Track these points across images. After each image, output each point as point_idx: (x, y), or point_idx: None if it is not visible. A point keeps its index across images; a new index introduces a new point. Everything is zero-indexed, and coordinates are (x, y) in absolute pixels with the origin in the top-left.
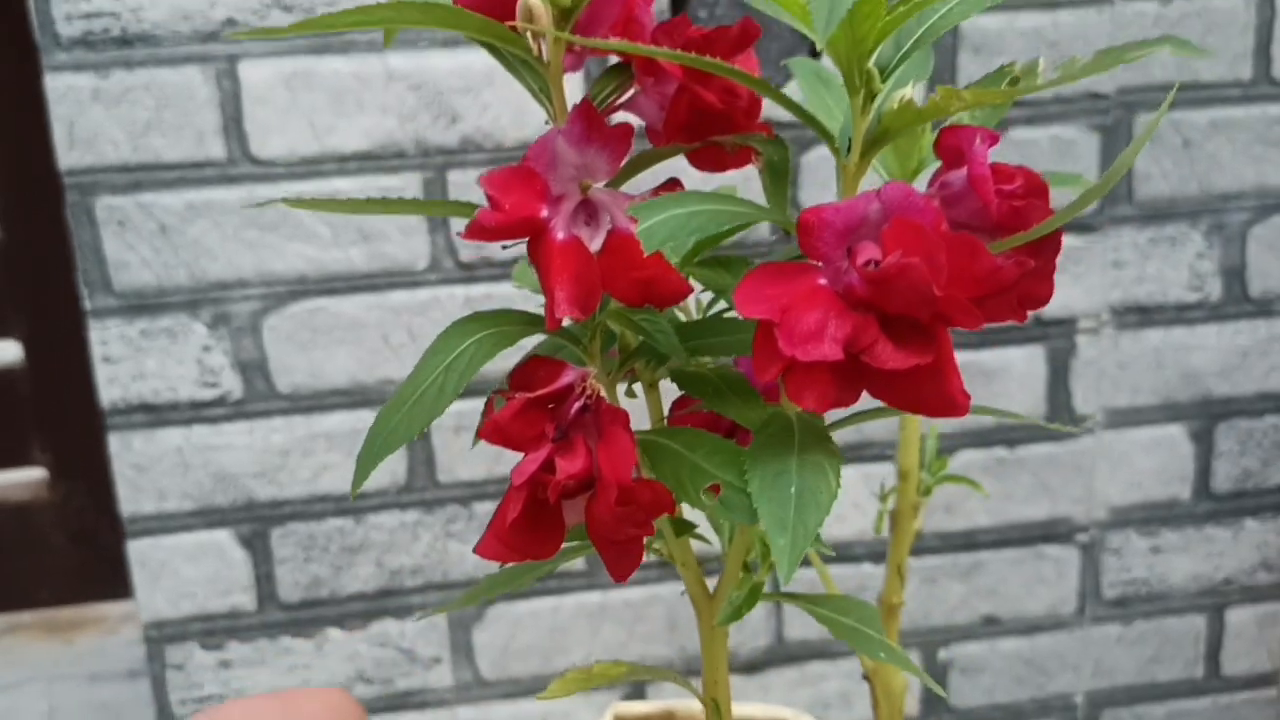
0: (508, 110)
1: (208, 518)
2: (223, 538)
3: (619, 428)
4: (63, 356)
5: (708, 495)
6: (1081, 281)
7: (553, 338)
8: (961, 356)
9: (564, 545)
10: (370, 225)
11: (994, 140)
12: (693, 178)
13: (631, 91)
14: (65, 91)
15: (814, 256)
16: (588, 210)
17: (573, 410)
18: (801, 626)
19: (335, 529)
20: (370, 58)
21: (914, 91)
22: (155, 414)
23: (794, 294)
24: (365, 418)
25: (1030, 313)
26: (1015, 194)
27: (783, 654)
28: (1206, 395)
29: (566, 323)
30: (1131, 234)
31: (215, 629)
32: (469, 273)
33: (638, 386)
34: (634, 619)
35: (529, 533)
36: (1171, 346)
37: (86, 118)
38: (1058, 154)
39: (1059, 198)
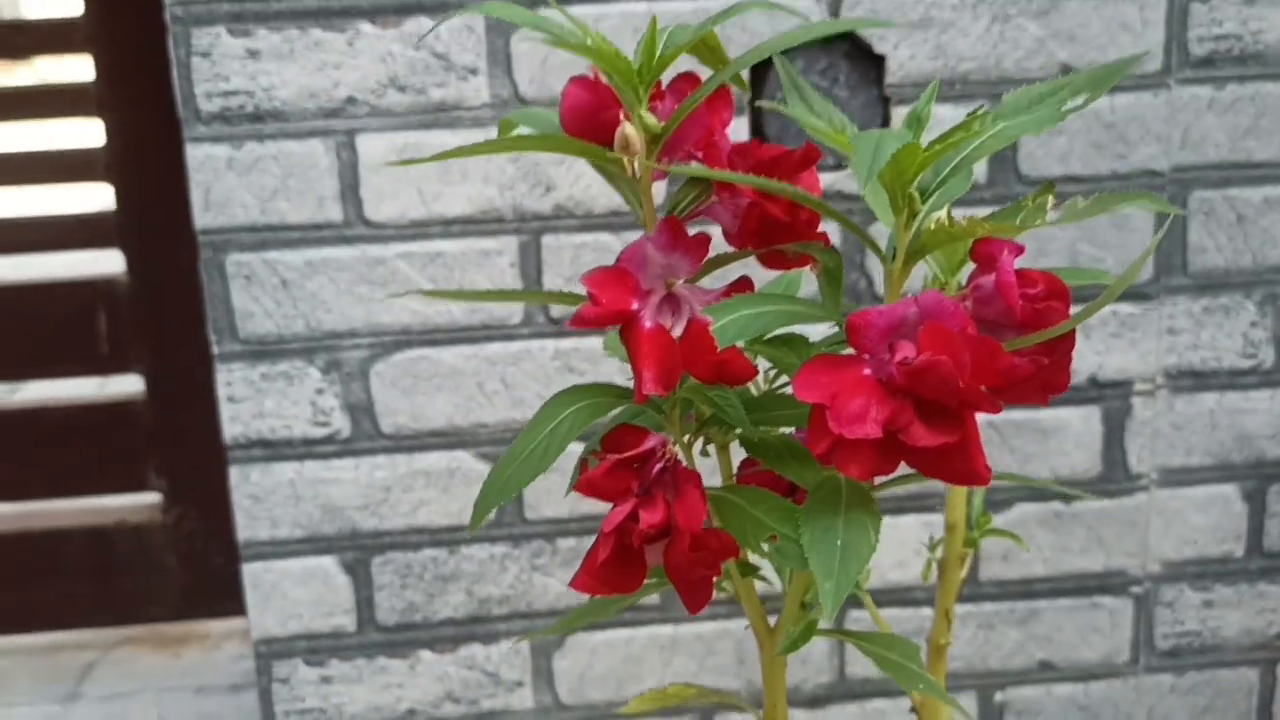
0: (598, 181)
1: (315, 545)
2: (328, 564)
3: (692, 486)
4: (180, 391)
5: (768, 544)
6: (1137, 346)
7: (639, 407)
8: (1020, 416)
9: (645, 583)
10: (469, 282)
11: (1019, 251)
12: (761, 274)
13: (710, 201)
14: (204, 160)
15: (860, 351)
16: (671, 303)
17: (654, 470)
18: (864, 665)
19: (430, 559)
20: (474, 132)
21: (947, 212)
22: (272, 449)
23: (843, 382)
24: (460, 458)
25: (1085, 376)
26: (1038, 297)
27: (844, 690)
28: (1260, 457)
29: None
30: (1186, 303)
31: (319, 647)
32: (558, 327)
33: (711, 448)
34: (704, 652)
35: (616, 571)
36: (1225, 410)
37: (221, 183)
38: (1115, 228)
39: (1087, 289)
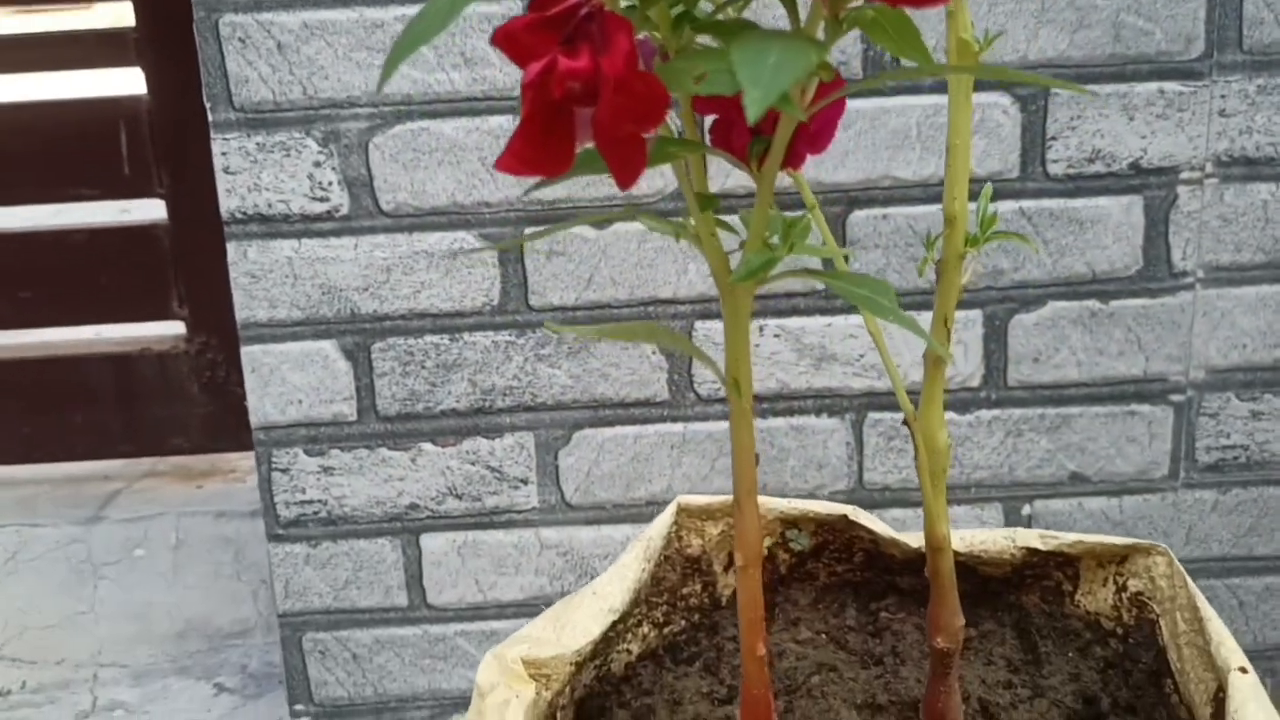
0: None
1: (315, 328)
2: (328, 348)
3: (621, 34)
4: (203, 217)
5: (696, 80)
6: (1185, 129)
7: None
8: (1052, 204)
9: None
10: (473, 49)
11: None
12: None
13: None
14: None
15: None
16: None
17: (579, 19)
18: (882, 472)
19: (432, 345)
20: None
21: None
22: (269, 225)
23: None
24: (463, 238)
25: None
26: None
27: (862, 498)
28: None
29: None
30: (1240, 81)
31: (319, 436)
32: None
33: None
34: (716, 452)
35: (541, 144)
36: None
37: None
38: None
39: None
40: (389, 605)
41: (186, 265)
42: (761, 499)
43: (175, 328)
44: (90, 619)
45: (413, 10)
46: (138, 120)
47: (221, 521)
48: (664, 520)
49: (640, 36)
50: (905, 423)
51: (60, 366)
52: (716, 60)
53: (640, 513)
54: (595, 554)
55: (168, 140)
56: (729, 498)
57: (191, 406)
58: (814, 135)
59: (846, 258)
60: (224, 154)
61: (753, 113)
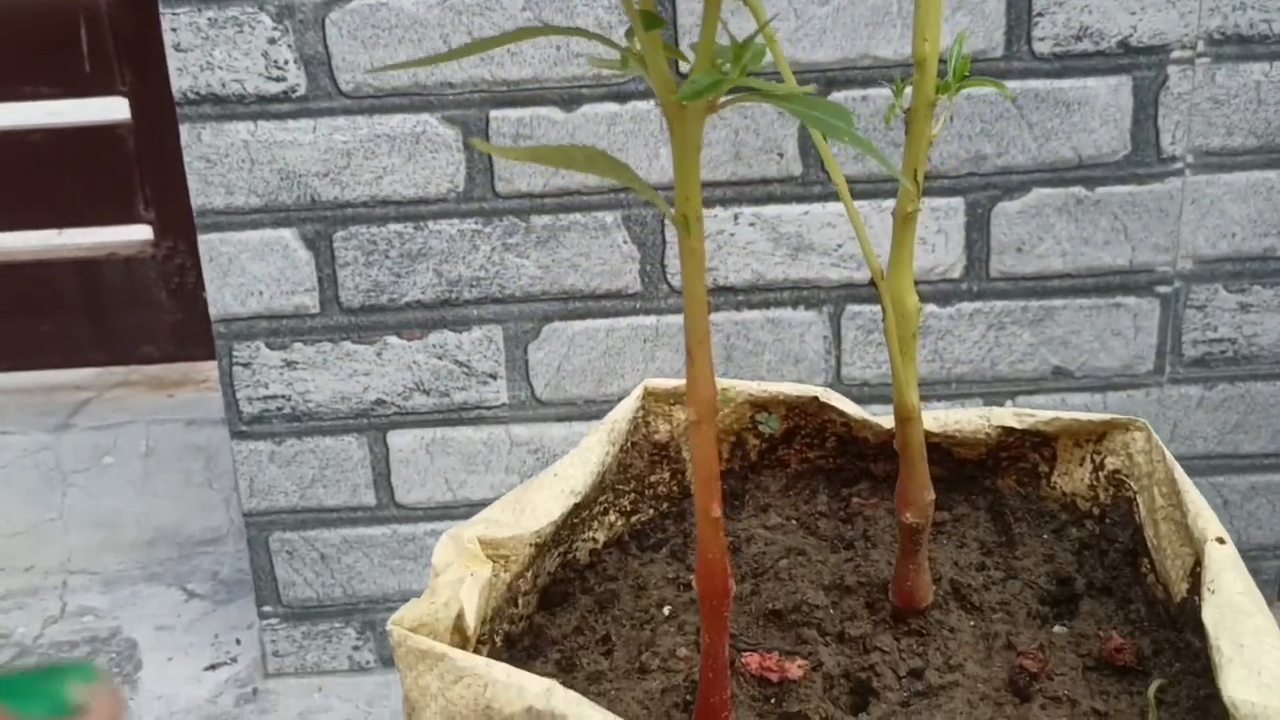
0: None
1: (274, 215)
2: (288, 236)
3: None
4: (167, 115)
5: None
6: (1176, 5)
7: None
8: (1038, 85)
9: None
10: None
11: None
12: None
13: None
14: None
15: None
16: None
17: None
18: (861, 368)
19: (395, 234)
20: None
21: None
22: (223, 106)
23: None
24: (426, 121)
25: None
26: None
27: (841, 393)
28: None
29: None
30: None
31: (281, 329)
32: None
33: None
34: None
35: None
36: (1274, 82)
37: None
38: None
39: None
40: (356, 504)
41: (152, 166)
42: (730, 382)
43: (142, 231)
44: (59, 526)
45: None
46: (97, 14)
47: (192, 429)
48: (630, 404)
49: None
50: (872, 283)
51: (23, 272)
52: None
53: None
54: (568, 451)
55: (129, 35)
56: None
57: (160, 313)
58: None
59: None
60: (174, 29)
61: None
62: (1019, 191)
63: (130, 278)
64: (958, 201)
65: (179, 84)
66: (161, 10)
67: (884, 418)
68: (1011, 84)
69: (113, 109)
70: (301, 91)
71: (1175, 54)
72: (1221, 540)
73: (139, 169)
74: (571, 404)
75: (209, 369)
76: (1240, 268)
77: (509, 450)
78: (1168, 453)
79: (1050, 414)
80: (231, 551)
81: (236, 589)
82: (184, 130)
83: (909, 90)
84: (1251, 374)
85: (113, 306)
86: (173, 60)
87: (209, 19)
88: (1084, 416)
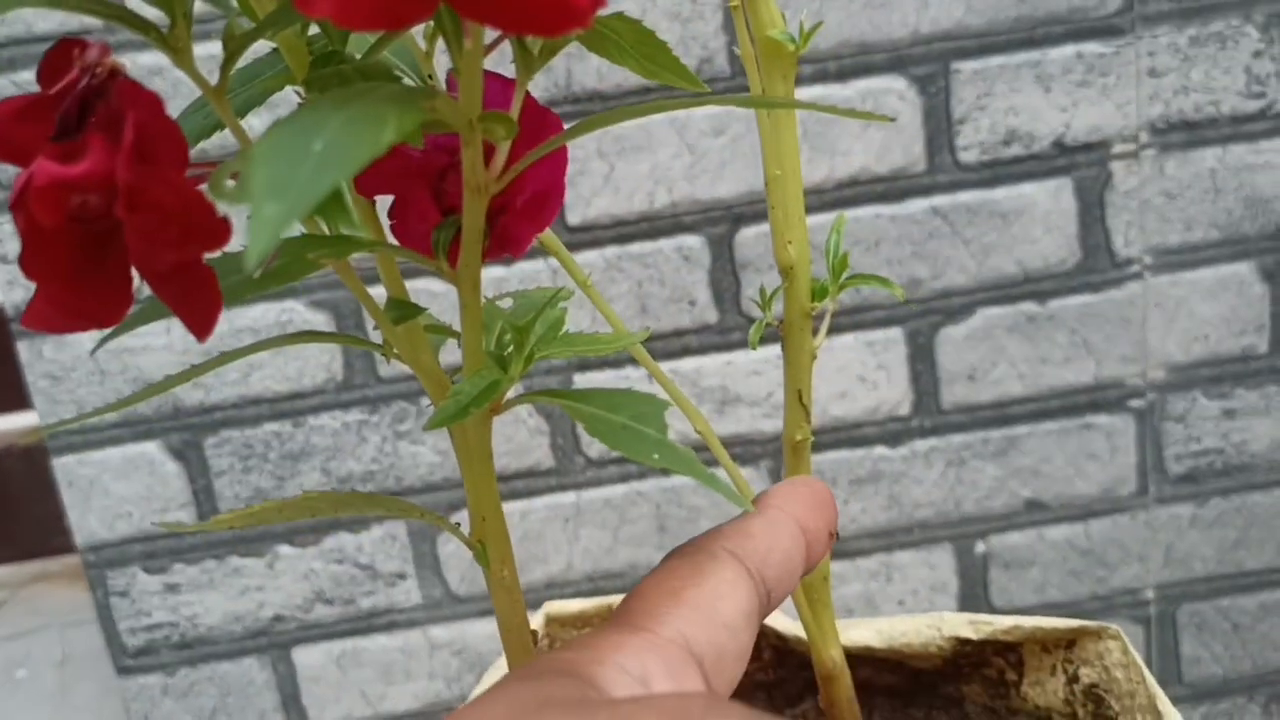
0: None
1: (134, 429)
2: (152, 450)
3: (134, 110)
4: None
5: (232, 179)
6: (1110, 96)
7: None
8: (968, 197)
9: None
10: None
11: None
12: None
13: None
14: None
15: None
16: None
17: (78, 94)
18: None
19: (273, 434)
20: None
21: None
22: None
23: None
24: (291, 308)
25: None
26: None
27: None
28: (1279, 223)
29: None
30: (1169, 34)
31: (157, 550)
32: None
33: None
34: (617, 520)
35: (74, 283)
36: (1229, 167)
37: None
38: None
39: None
40: None
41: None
42: None
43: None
44: None
45: None
46: None
47: None
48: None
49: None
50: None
51: None
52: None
53: (540, 597)
54: (493, 648)
55: None
56: (603, 600)
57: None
58: (530, 207)
59: (733, 318)
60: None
61: (255, 249)
62: (962, 315)
63: (32, 469)
64: (896, 332)
65: (9, 296)
66: None
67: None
68: (939, 199)
69: None
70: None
71: (1116, 148)
72: None
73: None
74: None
75: None
76: (1219, 371)
77: (429, 654)
78: (1147, 672)
79: (1009, 621)
80: None
81: None
82: (21, 347)
83: (775, 301)
84: (1246, 485)
85: (18, 500)
86: (2, 271)
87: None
88: (1047, 623)
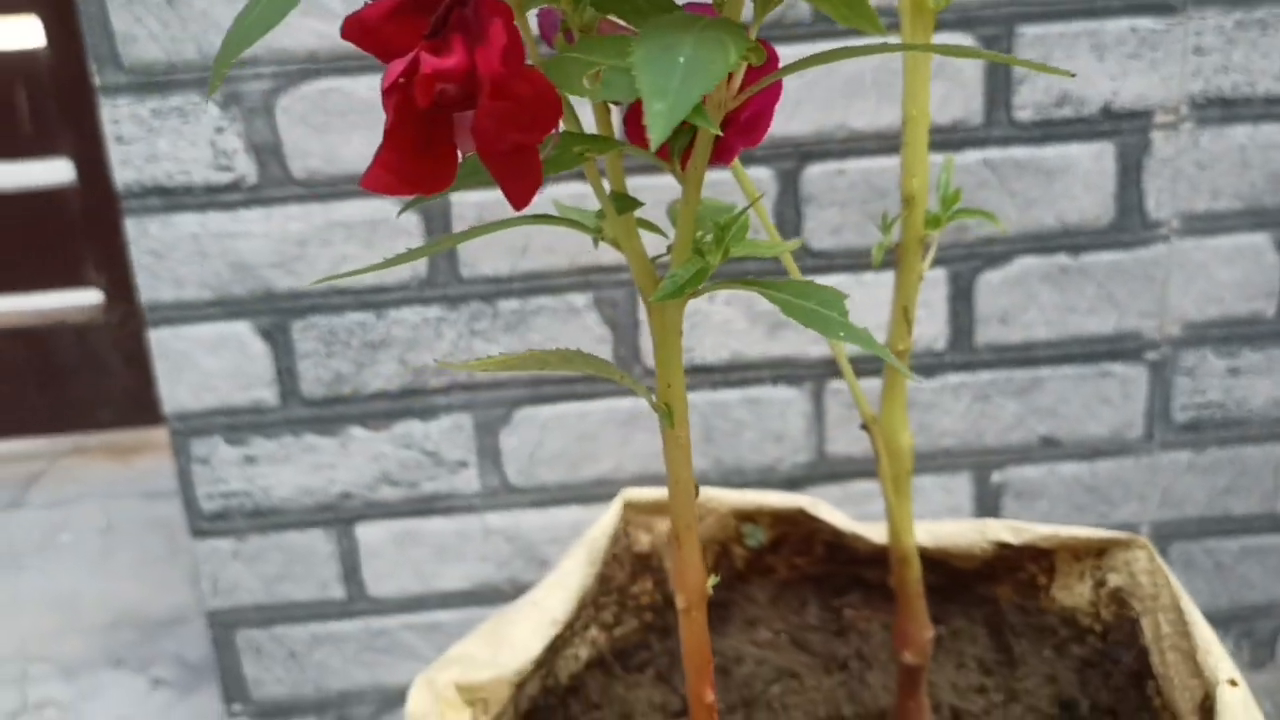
0: None
1: (227, 308)
2: (242, 329)
3: (498, 19)
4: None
5: (590, 80)
6: (1158, 69)
7: None
8: (1019, 152)
9: (456, 173)
10: None
11: None
12: None
13: None
14: None
15: None
16: None
17: (445, 4)
18: (845, 443)
19: (356, 323)
20: None
21: None
22: (170, 198)
23: None
24: (382, 207)
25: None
26: None
27: (825, 470)
28: None
29: None
30: (1216, 16)
31: (239, 424)
32: None
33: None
34: None
35: (414, 157)
36: (1259, 145)
37: None
38: None
39: None
40: (325, 599)
41: (99, 231)
42: (713, 491)
43: (93, 296)
44: (12, 609)
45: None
46: (37, 75)
47: (151, 503)
48: (609, 519)
49: (539, 9)
50: (863, 426)
51: None
52: (617, 51)
53: (588, 493)
54: (543, 538)
55: (70, 97)
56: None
57: (115, 380)
58: (746, 125)
59: (798, 250)
60: (115, 121)
61: (656, 134)
62: (1002, 261)
63: (82, 346)
64: (940, 273)
65: (122, 176)
66: (100, 101)
67: (873, 525)
68: (992, 152)
69: (57, 171)
70: (252, 181)
71: (1158, 118)
72: (1234, 682)
73: (86, 234)
74: (546, 490)
75: (165, 434)
76: (1228, 331)
77: (483, 539)
78: (1172, 577)
79: (1048, 529)
80: (196, 632)
81: (203, 674)
82: (129, 224)
83: (896, 226)
84: (1241, 437)
85: (64, 376)
86: (115, 153)
87: (152, 109)
88: (1082, 533)
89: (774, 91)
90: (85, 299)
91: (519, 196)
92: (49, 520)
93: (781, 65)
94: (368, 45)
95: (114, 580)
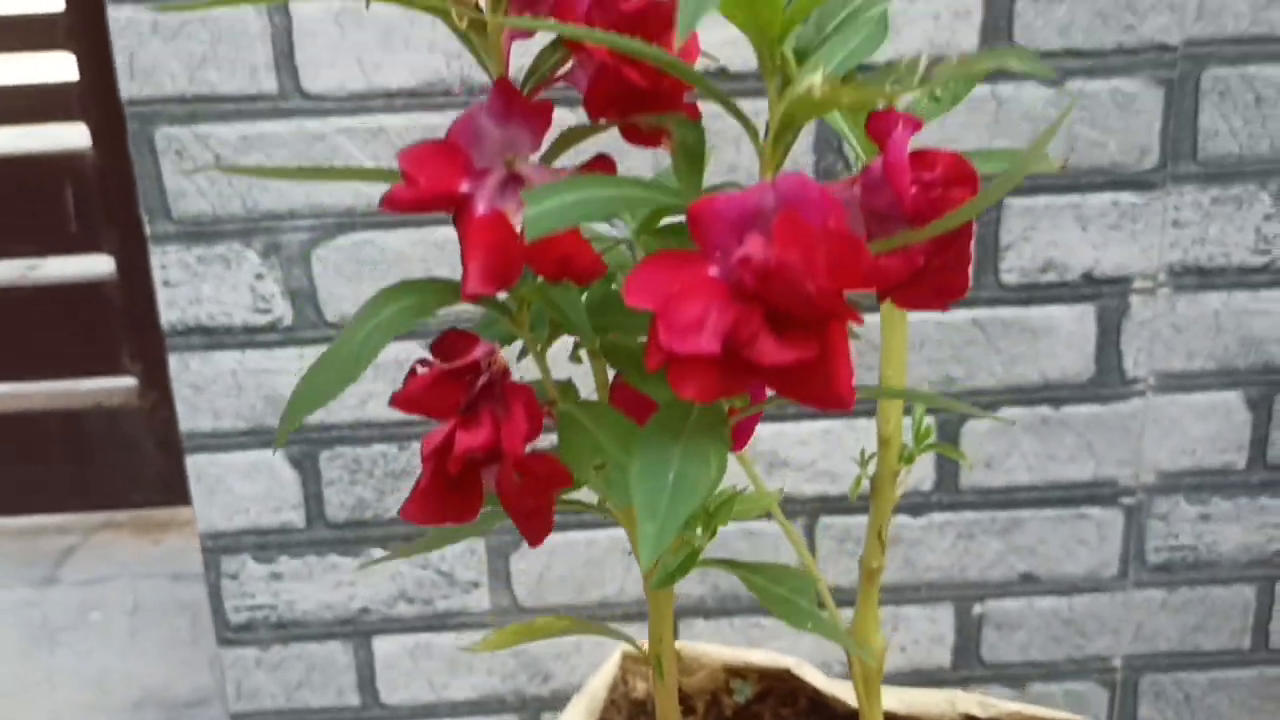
0: None
1: (260, 437)
2: (274, 458)
3: (519, 404)
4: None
5: (597, 470)
6: (1138, 240)
7: (489, 309)
8: (1005, 313)
9: (482, 511)
10: None
11: (916, 127)
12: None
13: (570, 66)
14: (126, 24)
15: (704, 247)
16: (514, 185)
17: (479, 385)
18: (835, 574)
19: (380, 454)
20: None
21: (821, 78)
22: (211, 336)
23: (681, 283)
24: (410, 350)
25: (1080, 272)
26: (934, 183)
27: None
28: (1267, 362)
29: (501, 296)
30: (1194, 193)
31: (267, 543)
32: None
33: (586, 355)
34: None
35: (443, 499)
36: (1231, 310)
37: (146, 50)
38: (1118, 108)
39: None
40: (342, 705)
41: (136, 323)
42: (706, 647)
43: (128, 383)
44: (48, 686)
45: (352, 123)
46: (83, 176)
47: (178, 585)
48: (608, 669)
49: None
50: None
51: (9, 423)
52: (621, 441)
53: (594, 614)
54: (548, 654)
55: (114, 198)
56: (676, 643)
57: (146, 461)
58: (736, 431)
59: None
60: (163, 267)
61: (645, 557)
62: (988, 409)
63: (116, 428)
64: (929, 420)
65: (167, 317)
66: (150, 249)
67: (851, 688)
68: (980, 311)
69: (98, 265)
70: (288, 323)
71: (1137, 284)
72: None
73: (125, 325)
74: (554, 610)
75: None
76: (1200, 481)
77: (491, 654)
78: None
79: (1014, 706)
80: (218, 715)
81: None
82: (172, 360)
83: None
84: (1211, 579)
85: (97, 456)
86: (162, 295)
87: (197, 256)
88: (1044, 714)
89: (756, 416)
90: (121, 385)
91: (534, 537)
92: (81, 599)
93: None
94: (414, 411)
95: (141, 660)
